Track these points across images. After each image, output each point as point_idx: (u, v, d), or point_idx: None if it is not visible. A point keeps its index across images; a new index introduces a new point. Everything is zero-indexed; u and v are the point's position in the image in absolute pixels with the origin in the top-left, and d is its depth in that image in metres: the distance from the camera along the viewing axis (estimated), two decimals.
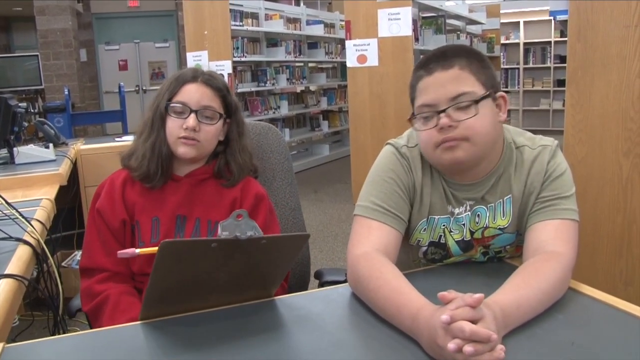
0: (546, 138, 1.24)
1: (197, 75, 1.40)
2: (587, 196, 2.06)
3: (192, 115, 1.36)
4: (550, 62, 9.42)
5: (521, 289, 0.97)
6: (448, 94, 1.12)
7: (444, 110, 1.12)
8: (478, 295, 0.85)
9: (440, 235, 1.25)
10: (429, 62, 1.16)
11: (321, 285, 1.52)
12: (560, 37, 9.23)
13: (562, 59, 9.21)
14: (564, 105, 8.87)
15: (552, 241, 1.12)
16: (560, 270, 1.05)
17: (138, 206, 1.38)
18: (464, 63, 1.14)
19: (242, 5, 6.19)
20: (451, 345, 0.80)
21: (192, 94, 1.38)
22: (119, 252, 1.18)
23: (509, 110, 1.28)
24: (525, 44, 9.62)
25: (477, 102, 1.12)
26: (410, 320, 0.91)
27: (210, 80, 1.41)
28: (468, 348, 0.79)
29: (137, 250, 1.17)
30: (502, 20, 8.55)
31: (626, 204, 2.01)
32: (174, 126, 1.38)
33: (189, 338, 0.97)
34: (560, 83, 9.26)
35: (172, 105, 1.38)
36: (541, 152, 1.21)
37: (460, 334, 0.81)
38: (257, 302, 1.10)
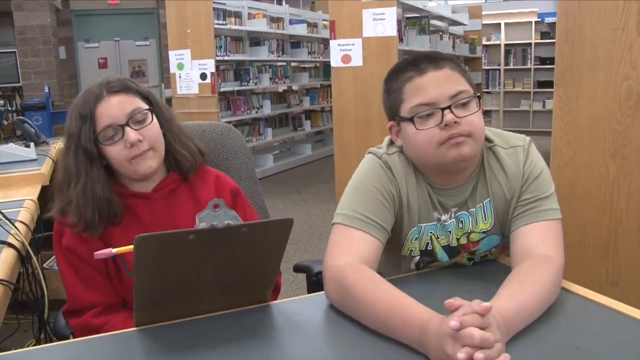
0: (517, 136, 1.24)
1: (101, 91, 1.25)
2: (574, 197, 2.08)
3: (127, 128, 1.23)
4: (531, 63, 9.52)
5: (519, 295, 0.97)
6: (447, 91, 1.12)
7: (447, 107, 1.11)
8: (486, 304, 0.84)
9: (427, 243, 1.23)
10: (418, 63, 1.16)
11: (314, 277, 1.47)
12: (541, 39, 9.34)
13: (542, 60, 9.32)
14: (544, 106, 8.92)
15: (541, 245, 1.11)
16: (553, 274, 1.05)
17: (115, 237, 1.25)
18: (452, 65, 1.17)
19: (225, 4, 6.15)
20: (461, 355, 0.79)
21: (111, 110, 1.23)
22: (95, 253, 1.10)
23: (489, 111, 1.30)
24: (506, 45, 9.71)
25: (473, 99, 1.14)
26: (418, 332, 0.89)
27: (116, 85, 1.27)
28: (479, 355, 0.78)
29: (114, 250, 1.11)
30: (483, 22, 8.63)
31: (612, 205, 2.03)
32: (117, 151, 1.24)
33: (184, 344, 0.95)
34: (541, 84, 9.37)
35: (100, 135, 1.23)
36: (514, 154, 1.20)
37: (470, 340, 0.80)
38: (254, 307, 1.08)
